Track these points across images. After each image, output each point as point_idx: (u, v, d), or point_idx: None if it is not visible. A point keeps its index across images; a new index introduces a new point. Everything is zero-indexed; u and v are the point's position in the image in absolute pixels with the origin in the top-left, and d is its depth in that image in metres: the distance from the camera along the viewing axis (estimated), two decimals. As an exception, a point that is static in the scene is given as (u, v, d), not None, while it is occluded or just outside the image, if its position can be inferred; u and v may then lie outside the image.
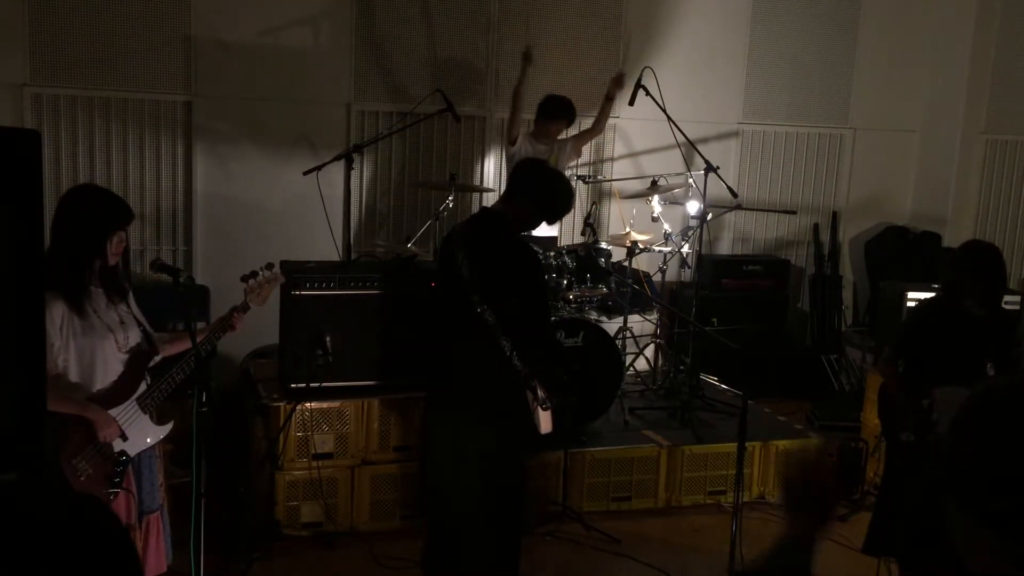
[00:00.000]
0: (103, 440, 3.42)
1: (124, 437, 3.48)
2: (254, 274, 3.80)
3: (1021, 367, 4.35)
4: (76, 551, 1.20)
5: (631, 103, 6.43)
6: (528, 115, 6.64)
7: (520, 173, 4.29)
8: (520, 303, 4.03)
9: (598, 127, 6.87)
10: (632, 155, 7.56)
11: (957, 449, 1.31)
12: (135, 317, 3.60)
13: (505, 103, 6.77)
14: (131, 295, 3.64)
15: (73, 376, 3.41)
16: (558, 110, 6.38)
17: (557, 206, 4.21)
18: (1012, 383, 1.34)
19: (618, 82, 6.68)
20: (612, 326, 6.30)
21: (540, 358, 4.09)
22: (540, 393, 4.01)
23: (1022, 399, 1.30)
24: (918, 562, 4.03)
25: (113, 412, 3.45)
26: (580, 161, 7.24)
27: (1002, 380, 1.36)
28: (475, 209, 7.30)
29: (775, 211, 7.67)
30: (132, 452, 3.51)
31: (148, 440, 3.57)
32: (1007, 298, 6.10)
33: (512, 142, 6.39)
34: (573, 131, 6.80)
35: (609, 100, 6.77)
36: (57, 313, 3.33)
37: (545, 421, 4.07)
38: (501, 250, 4.11)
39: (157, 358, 3.65)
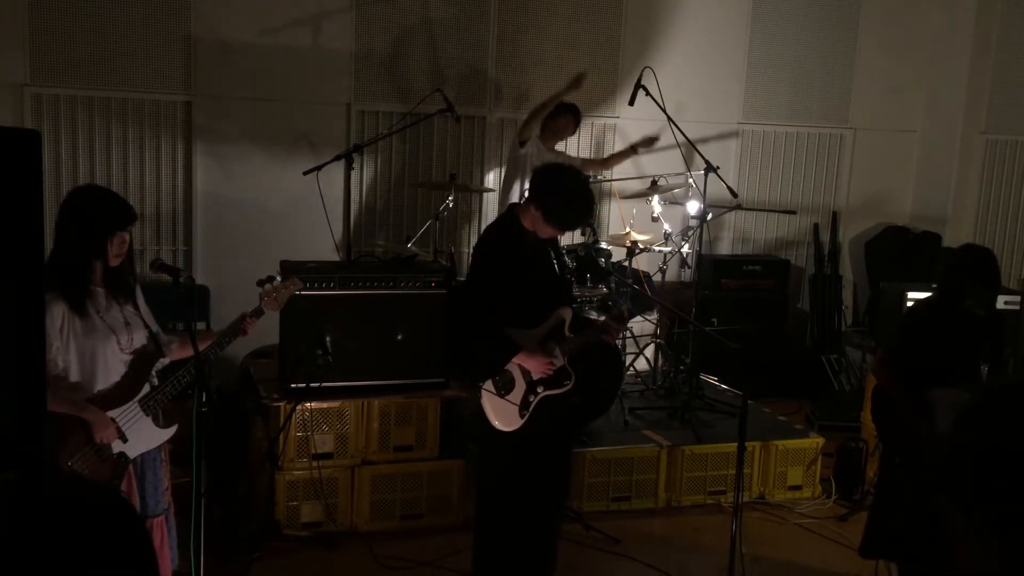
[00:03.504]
0: (100, 441, 3.40)
1: (124, 439, 3.46)
2: (270, 279, 3.74)
3: (1009, 368, 4.39)
4: (95, 539, 1.20)
5: (631, 103, 6.44)
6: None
7: (538, 175, 4.21)
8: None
9: (608, 164, 7.00)
10: (632, 155, 7.55)
11: (957, 451, 1.29)
12: (142, 319, 3.57)
13: (505, 103, 6.76)
14: (140, 296, 3.61)
15: (74, 377, 3.40)
16: (562, 107, 6.42)
17: (565, 213, 4.12)
18: (1013, 385, 1.32)
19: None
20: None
21: (472, 347, 4.22)
22: (492, 385, 4.05)
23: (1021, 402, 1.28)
24: (916, 563, 4.04)
25: (113, 413, 3.43)
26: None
27: (1004, 381, 1.33)
28: (475, 209, 7.34)
29: (775, 211, 7.67)
30: (132, 454, 3.49)
31: (150, 442, 3.55)
32: (1007, 298, 6.12)
33: (522, 143, 6.39)
34: (585, 154, 6.89)
35: (633, 151, 6.85)
36: (57, 314, 3.32)
37: (497, 412, 4.05)
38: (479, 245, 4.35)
39: (165, 361, 3.62)
